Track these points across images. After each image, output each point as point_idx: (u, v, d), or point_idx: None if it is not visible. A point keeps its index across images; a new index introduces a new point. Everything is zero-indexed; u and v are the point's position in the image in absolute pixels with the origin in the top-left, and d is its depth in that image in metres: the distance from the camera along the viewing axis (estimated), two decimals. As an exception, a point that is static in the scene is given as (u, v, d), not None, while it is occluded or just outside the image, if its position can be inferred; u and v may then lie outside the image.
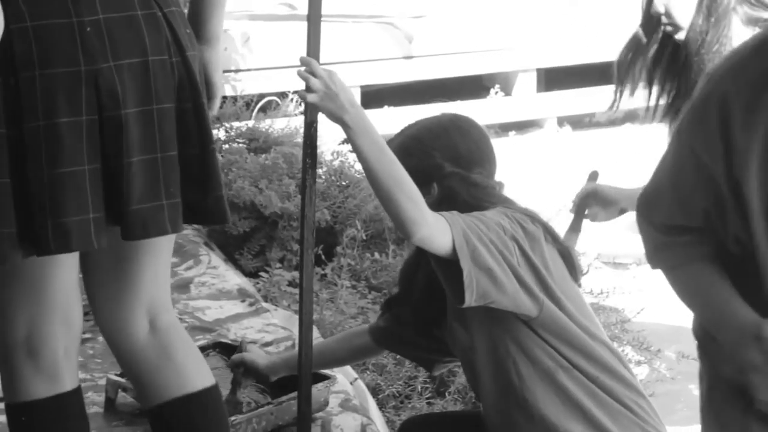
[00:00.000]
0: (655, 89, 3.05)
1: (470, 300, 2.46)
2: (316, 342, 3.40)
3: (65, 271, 2.28)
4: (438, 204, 2.60)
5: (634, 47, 3.10)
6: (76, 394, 2.34)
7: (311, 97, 2.51)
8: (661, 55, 3.05)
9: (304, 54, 2.58)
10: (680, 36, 2.98)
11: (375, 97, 8.32)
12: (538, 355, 2.55)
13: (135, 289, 2.37)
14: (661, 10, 2.98)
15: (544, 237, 2.59)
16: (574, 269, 2.65)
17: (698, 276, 1.98)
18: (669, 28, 3.00)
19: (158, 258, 2.39)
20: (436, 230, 2.45)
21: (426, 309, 2.74)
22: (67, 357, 2.32)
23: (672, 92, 2.97)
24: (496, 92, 8.88)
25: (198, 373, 2.40)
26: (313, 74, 2.51)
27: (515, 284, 2.49)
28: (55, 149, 2.11)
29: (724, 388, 1.99)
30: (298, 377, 2.77)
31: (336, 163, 5.27)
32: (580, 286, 2.70)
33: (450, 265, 2.47)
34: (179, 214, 2.25)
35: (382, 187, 2.47)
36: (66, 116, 2.11)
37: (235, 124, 5.98)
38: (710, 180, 1.90)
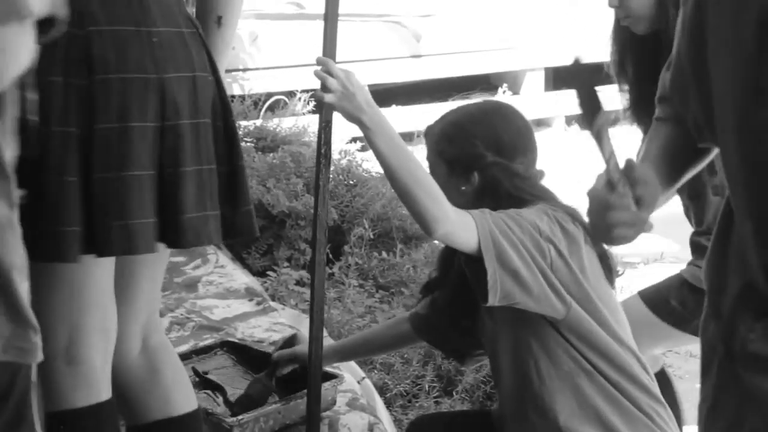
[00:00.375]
0: (636, 86, 3.05)
1: (493, 300, 2.43)
2: (363, 331, 3.43)
3: (104, 275, 2.30)
4: (479, 194, 2.56)
5: (617, 46, 3.09)
6: (111, 403, 2.36)
7: (328, 98, 2.50)
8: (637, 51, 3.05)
9: (315, 53, 2.56)
10: (638, 29, 2.96)
11: (383, 96, 8.30)
12: (560, 356, 2.52)
13: (132, 303, 2.42)
14: (615, 3, 2.97)
15: (584, 238, 2.54)
16: (609, 272, 2.59)
17: (649, 138, 2.04)
18: (627, 22, 2.99)
19: (156, 272, 2.45)
20: (458, 227, 2.41)
21: (460, 296, 2.71)
22: (105, 365, 2.34)
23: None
24: (504, 91, 8.88)
25: (182, 397, 2.45)
26: (330, 74, 2.50)
27: (543, 287, 2.45)
28: (125, 152, 2.15)
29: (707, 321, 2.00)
30: (308, 376, 2.77)
31: (344, 162, 5.25)
32: (613, 288, 2.65)
33: (476, 262, 2.44)
34: (219, 225, 2.30)
35: (401, 185, 2.44)
36: (137, 121, 2.16)
37: (243, 123, 5.99)
38: (679, 58, 1.94)
